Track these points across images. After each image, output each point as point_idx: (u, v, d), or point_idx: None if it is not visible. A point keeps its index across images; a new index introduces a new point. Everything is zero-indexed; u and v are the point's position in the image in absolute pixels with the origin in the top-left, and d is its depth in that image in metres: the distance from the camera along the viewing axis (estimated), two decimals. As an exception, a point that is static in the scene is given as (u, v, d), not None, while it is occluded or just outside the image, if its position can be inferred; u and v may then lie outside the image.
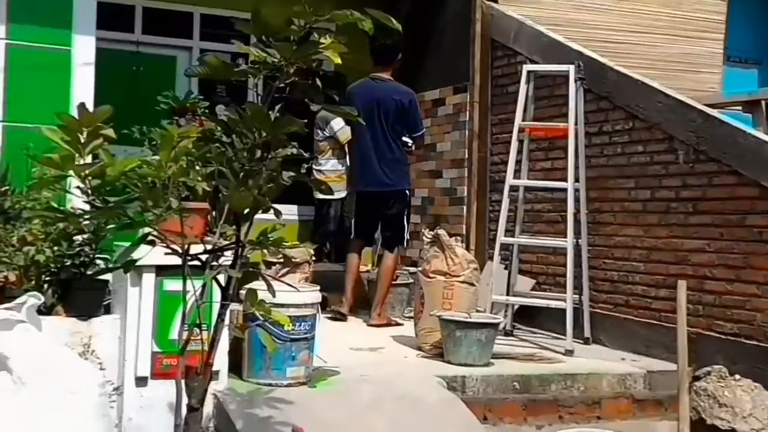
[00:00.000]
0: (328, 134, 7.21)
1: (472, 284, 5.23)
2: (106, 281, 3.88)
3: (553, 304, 5.62)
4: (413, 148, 6.30)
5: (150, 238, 2.52)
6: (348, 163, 6.97)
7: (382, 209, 6.16)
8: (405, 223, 6.16)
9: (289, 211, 7.57)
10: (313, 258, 6.20)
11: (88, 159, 2.39)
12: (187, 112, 4.67)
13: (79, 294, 3.69)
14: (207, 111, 4.74)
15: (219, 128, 2.67)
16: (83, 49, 5.21)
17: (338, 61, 2.54)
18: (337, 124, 7.10)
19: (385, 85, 6.17)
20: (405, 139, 6.19)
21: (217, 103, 8.09)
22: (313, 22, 2.45)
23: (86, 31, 4.99)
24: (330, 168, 7.21)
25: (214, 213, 4.69)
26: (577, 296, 5.65)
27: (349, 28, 2.58)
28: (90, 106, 5.42)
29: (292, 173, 2.73)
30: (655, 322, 5.35)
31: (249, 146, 2.54)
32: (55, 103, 4.62)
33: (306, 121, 2.51)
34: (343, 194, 7.16)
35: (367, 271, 6.88)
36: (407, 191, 6.22)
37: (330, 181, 7.01)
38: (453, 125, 7.40)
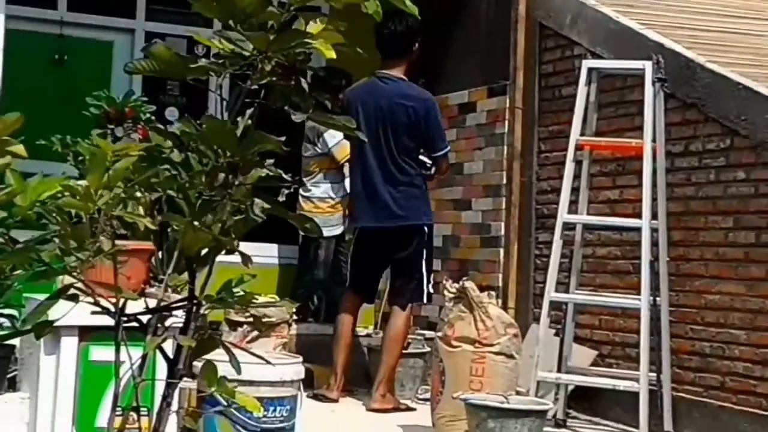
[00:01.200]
0: (320, 150, 7.22)
1: (510, 356, 5.21)
2: (12, 347, 3.88)
3: (622, 384, 5.59)
4: (434, 171, 6.28)
5: (71, 291, 2.51)
6: (347, 189, 6.98)
7: (391, 252, 6.15)
8: (424, 270, 6.14)
9: (265, 252, 7.58)
10: (295, 318, 6.20)
11: (-10, 186, 2.40)
12: (126, 118, 4.71)
13: (-26, 365, 3.69)
14: (153, 117, 4.78)
15: (169, 142, 2.68)
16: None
17: (331, 55, 2.54)
18: (333, 137, 7.12)
19: (396, 86, 6.19)
20: (423, 158, 6.20)
21: (167, 105, 8.16)
22: (298, 1, 2.46)
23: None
24: (321, 194, 7.22)
25: (160, 254, 4.72)
26: (654, 375, 5.62)
27: (348, 11, 2.59)
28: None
29: (265, 204, 2.73)
30: (763, 412, 5.31)
31: (209, 169, 2.54)
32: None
33: (285, 138, 2.52)
34: (337, 230, 7.17)
35: (368, 335, 6.87)
36: (426, 227, 6.20)
37: (320, 213, 7.02)
38: (486, 139, 7.42)
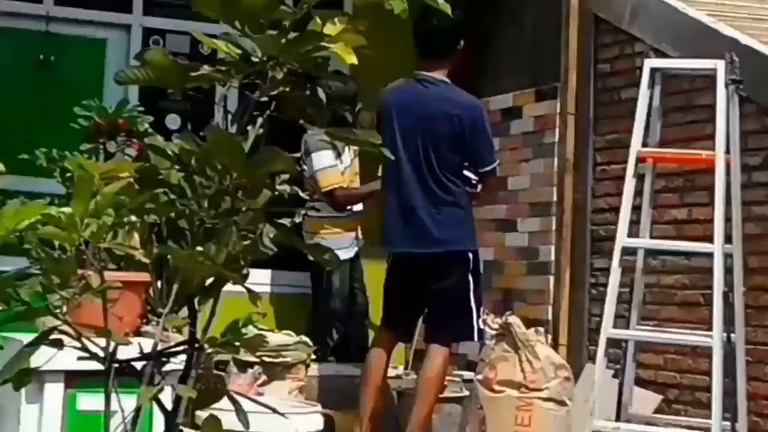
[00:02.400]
0: (307, 172, 6.92)
1: (561, 403, 5.19)
2: (-11, 394, 3.88)
3: (691, 435, 5.55)
4: (479, 189, 6.23)
5: (55, 335, 2.52)
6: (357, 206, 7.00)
7: (430, 282, 6.10)
8: (473, 303, 6.08)
9: (276, 280, 7.57)
10: (313, 357, 6.19)
11: (-38, 211, 2.40)
12: (120, 131, 4.73)
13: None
14: (150, 129, 4.80)
15: (167, 162, 2.68)
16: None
17: (353, 60, 2.54)
18: (319, 160, 6.82)
19: (438, 90, 6.13)
20: (467, 174, 6.14)
21: (168, 112, 8.18)
22: (313, 1, 2.46)
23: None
24: (328, 213, 7.09)
25: (159, 282, 4.72)
26: (728, 423, 5.57)
27: (373, 9, 2.59)
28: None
29: (276, 231, 2.73)
30: None
31: (213, 193, 2.53)
32: None
33: (299, 155, 2.52)
34: (351, 253, 7.14)
35: (398, 377, 6.85)
36: (471, 254, 6.15)
37: (329, 234, 6.99)
38: (534, 150, 7.41)
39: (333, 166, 6.88)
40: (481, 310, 6.08)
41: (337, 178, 6.86)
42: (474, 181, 6.14)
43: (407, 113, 6.07)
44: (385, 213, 6.25)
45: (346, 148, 6.89)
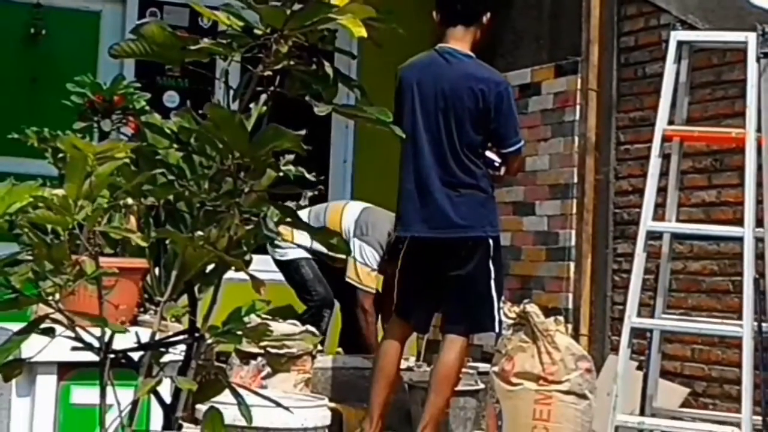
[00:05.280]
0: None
1: (582, 396, 5.20)
2: (-22, 386, 3.90)
3: (719, 430, 5.54)
4: (502, 171, 6.20)
5: (47, 323, 2.52)
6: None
7: (447, 269, 6.07)
8: (492, 291, 6.04)
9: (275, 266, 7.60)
10: (320, 349, 6.21)
11: (-52, 195, 2.42)
12: (115, 108, 4.72)
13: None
14: (147, 107, 4.79)
15: (165, 141, 2.68)
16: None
17: (362, 33, 2.53)
18: (366, 254, 7.24)
19: (461, 64, 6.06)
20: (490, 155, 6.11)
21: (165, 89, 8.19)
22: (320, -30, 2.46)
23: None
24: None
25: (156, 269, 4.74)
26: (759, 418, 5.57)
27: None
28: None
29: (280, 214, 2.73)
30: None
31: (213, 173, 2.54)
32: None
33: (304, 132, 2.51)
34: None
35: (409, 369, 6.86)
36: (491, 239, 6.11)
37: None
38: (553, 128, 7.41)
39: (374, 269, 7.21)
40: (501, 299, 6.05)
41: (374, 282, 7.21)
42: (497, 164, 6.09)
43: (429, 89, 6.00)
44: (402, 196, 6.20)
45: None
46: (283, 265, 7.29)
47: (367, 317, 7.24)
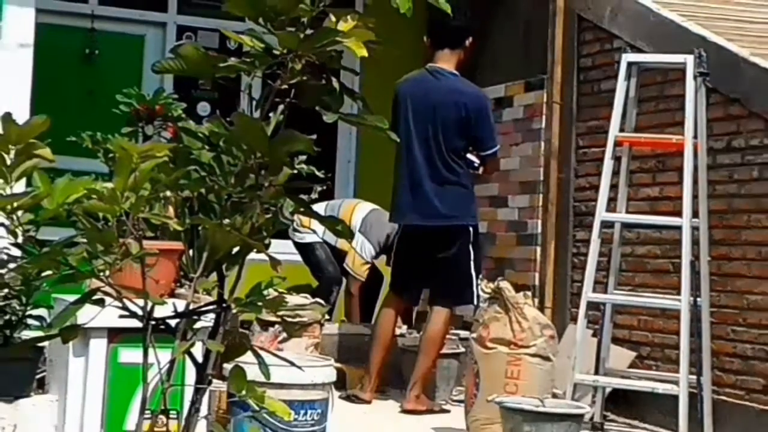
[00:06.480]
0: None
1: (546, 358, 5.19)
2: (41, 348, 3.89)
3: (661, 387, 5.55)
4: (481, 171, 6.21)
5: (98, 295, 2.52)
6: None
7: (435, 251, 6.09)
8: (472, 270, 6.08)
9: (292, 249, 7.59)
10: (327, 318, 6.21)
11: (18, 187, 2.40)
12: (156, 116, 4.71)
13: (2, 367, 3.70)
14: (184, 115, 4.77)
15: (198, 143, 2.68)
16: (18, 24, 5.26)
17: (363, 53, 2.52)
18: (365, 248, 7.26)
19: (448, 81, 6.09)
20: (470, 157, 6.13)
21: (199, 100, 8.18)
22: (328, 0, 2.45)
23: (22, -1, 5.06)
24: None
25: (191, 251, 4.72)
26: (694, 377, 5.57)
27: (380, 8, 2.58)
28: (26, 105, 5.44)
29: (294, 205, 2.73)
30: (806, 416, 5.26)
31: (239, 170, 2.53)
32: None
33: (315, 136, 2.51)
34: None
35: (401, 335, 6.86)
36: (471, 228, 6.13)
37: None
38: (523, 135, 7.39)
39: (367, 263, 7.24)
40: (479, 278, 6.07)
41: (365, 272, 7.25)
42: (476, 164, 6.14)
43: (420, 101, 6.06)
44: (397, 189, 6.24)
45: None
46: (301, 247, 7.32)
47: (352, 300, 7.32)
